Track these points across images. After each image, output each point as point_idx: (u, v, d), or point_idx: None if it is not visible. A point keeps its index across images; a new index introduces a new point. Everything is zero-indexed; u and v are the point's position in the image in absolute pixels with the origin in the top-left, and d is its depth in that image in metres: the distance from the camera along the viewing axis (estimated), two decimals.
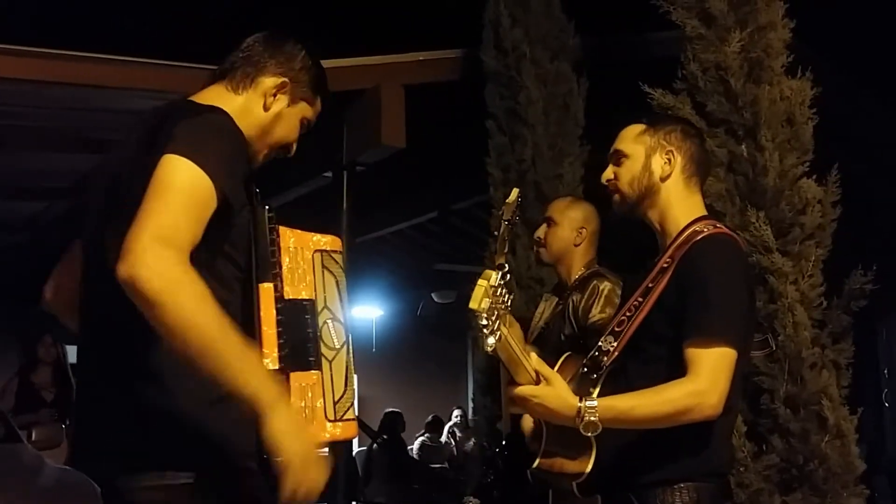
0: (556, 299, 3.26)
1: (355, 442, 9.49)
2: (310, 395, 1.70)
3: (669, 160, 2.12)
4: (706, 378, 1.87)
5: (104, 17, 8.49)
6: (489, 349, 1.72)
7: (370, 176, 5.44)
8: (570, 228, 3.16)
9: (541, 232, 3.22)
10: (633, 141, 2.16)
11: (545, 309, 3.31)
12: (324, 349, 1.77)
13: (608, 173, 2.18)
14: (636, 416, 1.89)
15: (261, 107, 1.81)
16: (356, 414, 1.85)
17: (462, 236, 8.19)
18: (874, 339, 7.35)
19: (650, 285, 2.03)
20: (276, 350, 1.65)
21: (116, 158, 1.76)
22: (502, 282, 1.71)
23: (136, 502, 1.58)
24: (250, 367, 1.48)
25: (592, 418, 1.85)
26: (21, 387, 6.26)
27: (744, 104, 3.32)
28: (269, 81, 1.81)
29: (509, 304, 1.76)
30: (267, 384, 1.49)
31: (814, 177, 3.29)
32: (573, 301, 3.06)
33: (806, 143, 3.31)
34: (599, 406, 1.86)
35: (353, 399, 1.82)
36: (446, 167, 6.21)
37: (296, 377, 1.68)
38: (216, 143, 1.61)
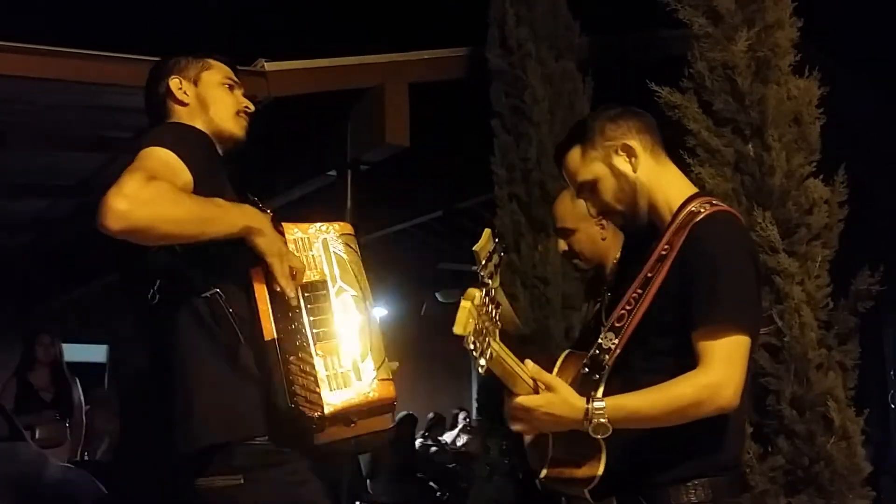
0: (593, 300, 3.08)
1: None
2: (330, 362, 1.90)
3: (626, 151, 1.98)
4: (719, 369, 1.77)
5: (109, 14, 8.51)
6: (482, 371, 1.64)
7: (374, 175, 5.43)
8: (592, 225, 2.83)
9: (563, 246, 2.91)
10: (584, 169, 2.00)
11: (587, 313, 3.13)
12: (341, 320, 1.97)
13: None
14: (647, 414, 1.79)
15: (181, 107, 2.12)
16: (391, 375, 2.01)
17: (466, 235, 8.12)
18: (880, 340, 7.33)
19: (649, 275, 1.89)
20: (270, 322, 1.89)
21: None
22: (486, 298, 1.64)
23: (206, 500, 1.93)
24: (229, 215, 1.84)
25: (602, 420, 1.76)
26: (20, 388, 6.09)
27: (751, 103, 3.31)
28: (168, 96, 2.13)
29: (497, 317, 1.69)
30: (244, 216, 1.86)
31: (821, 177, 3.28)
32: None
33: (813, 143, 3.29)
34: (608, 406, 1.77)
35: (382, 361, 2.00)
36: (451, 166, 6.19)
37: (318, 348, 1.89)
38: (178, 137, 1.91)
